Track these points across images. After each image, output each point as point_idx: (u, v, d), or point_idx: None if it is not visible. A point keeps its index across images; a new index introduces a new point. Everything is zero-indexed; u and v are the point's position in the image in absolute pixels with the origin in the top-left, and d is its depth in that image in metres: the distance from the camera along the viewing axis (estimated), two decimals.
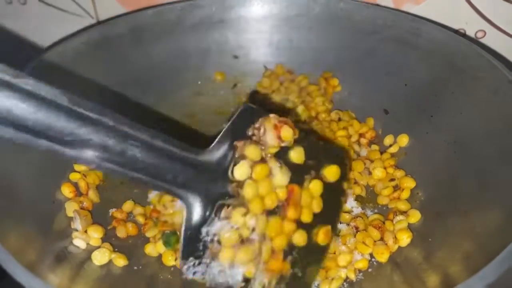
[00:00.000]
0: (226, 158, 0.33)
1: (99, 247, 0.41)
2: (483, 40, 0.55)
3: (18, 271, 0.30)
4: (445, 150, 0.47)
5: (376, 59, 0.54)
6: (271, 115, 0.34)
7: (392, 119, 0.52)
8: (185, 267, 0.32)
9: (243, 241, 0.32)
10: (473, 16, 0.53)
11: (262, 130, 0.34)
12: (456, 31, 0.54)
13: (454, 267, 0.37)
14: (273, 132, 0.34)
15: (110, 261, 0.41)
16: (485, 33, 0.54)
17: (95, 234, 0.41)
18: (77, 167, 0.47)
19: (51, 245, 0.38)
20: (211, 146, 0.33)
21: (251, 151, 0.33)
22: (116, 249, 0.42)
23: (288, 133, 0.35)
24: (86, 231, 0.41)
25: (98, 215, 0.44)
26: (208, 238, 0.32)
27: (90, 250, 0.41)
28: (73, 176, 0.45)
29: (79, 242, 0.40)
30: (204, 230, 0.32)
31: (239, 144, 0.33)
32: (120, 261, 0.41)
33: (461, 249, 0.38)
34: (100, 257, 0.40)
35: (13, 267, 0.30)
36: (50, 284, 0.30)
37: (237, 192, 0.33)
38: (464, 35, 0.54)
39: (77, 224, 0.41)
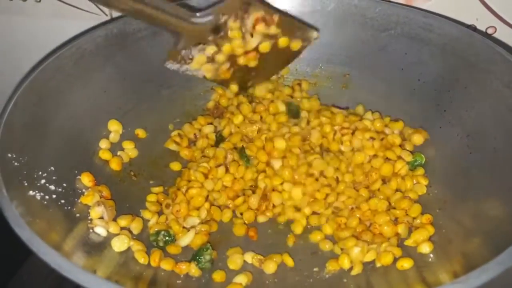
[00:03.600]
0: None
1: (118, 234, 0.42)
2: (493, 36, 0.55)
3: (44, 249, 0.30)
4: (458, 144, 0.47)
5: (390, 55, 0.54)
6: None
7: (406, 114, 0.53)
8: (168, 65, 0.48)
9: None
10: (484, 12, 0.54)
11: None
12: (467, 27, 0.55)
13: (467, 256, 0.38)
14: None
15: (128, 248, 0.41)
16: (495, 29, 0.55)
17: (123, 222, 0.43)
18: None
19: (72, 231, 0.39)
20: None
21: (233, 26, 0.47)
22: (134, 237, 0.43)
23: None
24: (112, 220, 0.43)
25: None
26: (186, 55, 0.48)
27: (110, 237, 0.41)
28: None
29: (99, 229, 0.41)
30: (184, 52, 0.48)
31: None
32: (139, 248, 0.41)
33: (474, 238, 0.39)
34: (120, 244, 0.41)
35: (39, 246, 0.31)
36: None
37: (215, 42, 0.48)
38: (475, 30, 0.55)
39: (105, 215, 0.42)
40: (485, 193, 0.42)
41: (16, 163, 0.38)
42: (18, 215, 0.32)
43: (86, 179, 0.44)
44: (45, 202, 0.39)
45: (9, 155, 0.38)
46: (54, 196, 0.40)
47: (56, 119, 0.45)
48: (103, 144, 0.50)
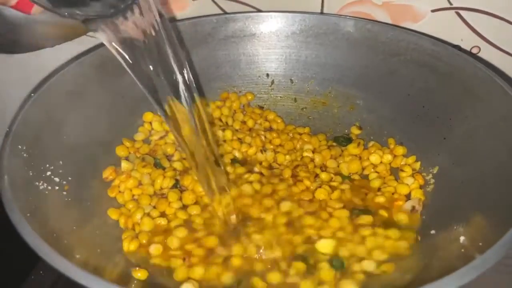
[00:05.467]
0: None
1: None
2: (478, 55, 0.58)
3: (28, 230, 0.34)
4: (451, 172, 0.47)
5: (398, 80, 0.55)
6: None
7: (408, 139, 0.54)
8: None
9: None
10: (468, 33, 0.56)
11: None
12: (453, 47, 0.55)
13: None
14: None
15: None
16: (479, 48, 0.57)
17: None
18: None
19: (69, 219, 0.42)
20: None
21: None
22: None
23: None
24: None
25: None
26: None
27: None
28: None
29: None
30: None
31: None
32: None
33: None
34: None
35: (25, 228, 0.34)
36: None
37: None
38: (460, 50, 0.56)
39: None
40: (467, 225, 0.41)
41: (25, 154, 0.43)
42: (11, 200, 0.36)
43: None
44: (46, 192, 0.43)
45: (20, 146, 0.42)
46: (57, 187, 0.44)
47: (71, 120, 0.48)
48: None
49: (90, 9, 0.35)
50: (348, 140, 0.57)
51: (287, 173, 0.52)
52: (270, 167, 0.55)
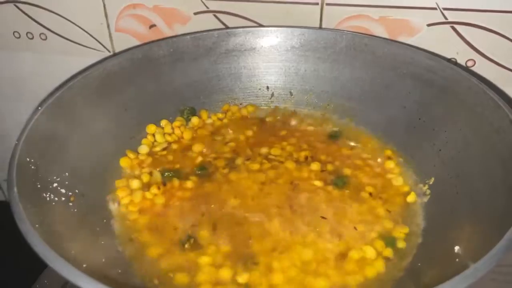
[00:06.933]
0: None
1: None
2: (473, 69, 0.60)
3: (37, 240, 0.35)
4: (447, 184, 0.49)
5: (394, 93, 0.56)
6: None
7: (404, 151, 0.55)
8: None
9: None
10: (463, 46, 0.58)
11: None
12: (449, 60, 0.57)
13: None
14: None
15: None
16: (474, 62, 0.59)
17: None
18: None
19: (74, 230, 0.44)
20: None
21: None
22: None
23: None
24: None
25: None
26: None
27: None
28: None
29: None
30: None
31: None
32: None
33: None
34: None
35: (36, 239, 0.35)
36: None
37: None
38: (455, 64, 0.58)
39: None
40: (461, 235, 0.43)
41: (33, 167, 0.44)
42: (22, 210, 0.37)
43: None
44: (53, 203, 0.44)
45: (28, 159, 0.44)
46: (63, 198, 0.45)
47: (77, 133, 0.50)
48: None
49: None
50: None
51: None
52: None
